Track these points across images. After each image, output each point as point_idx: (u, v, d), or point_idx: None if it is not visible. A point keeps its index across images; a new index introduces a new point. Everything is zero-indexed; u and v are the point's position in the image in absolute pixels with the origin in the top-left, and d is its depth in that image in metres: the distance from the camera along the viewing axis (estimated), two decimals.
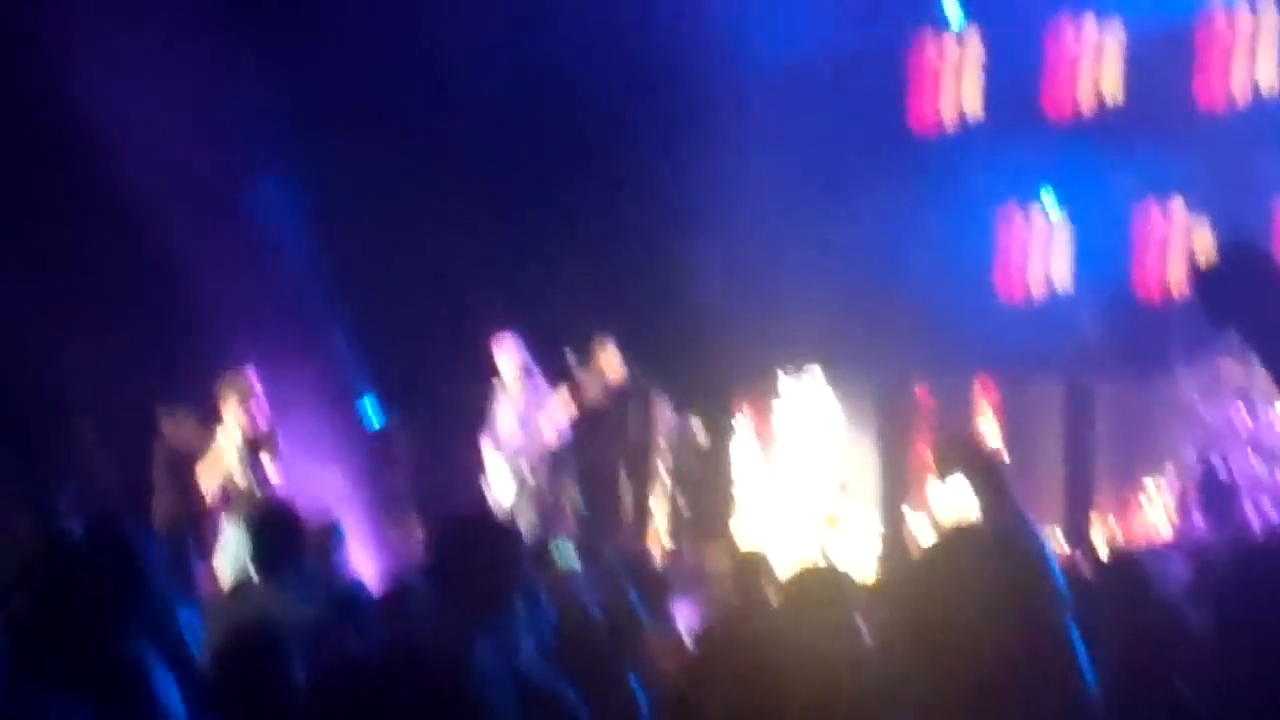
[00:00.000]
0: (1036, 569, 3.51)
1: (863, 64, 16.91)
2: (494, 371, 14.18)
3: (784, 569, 7.56)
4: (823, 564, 7.86)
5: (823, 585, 6.15)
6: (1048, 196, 17.04)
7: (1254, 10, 16.08)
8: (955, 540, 3.61)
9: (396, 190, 16.72)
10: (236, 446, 12.54)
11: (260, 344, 13.66)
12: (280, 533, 7.49)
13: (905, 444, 17.17)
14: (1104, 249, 16.53)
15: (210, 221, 15.85)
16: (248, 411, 12.59)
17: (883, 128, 17.12)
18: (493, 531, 5.11)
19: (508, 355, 13.88)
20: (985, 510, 4.40)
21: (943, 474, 4.64)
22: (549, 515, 13.86)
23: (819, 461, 17.04)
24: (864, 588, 8.21)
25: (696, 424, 16.24)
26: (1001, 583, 3.39)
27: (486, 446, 13.94)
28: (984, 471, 4.59)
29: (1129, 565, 7.00)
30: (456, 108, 16.78)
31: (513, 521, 11.94)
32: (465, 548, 4.90)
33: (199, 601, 7.60)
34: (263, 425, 12.68)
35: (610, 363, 14.83)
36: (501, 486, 13.76)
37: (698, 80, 16.11)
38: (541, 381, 14.06)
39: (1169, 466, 15.21)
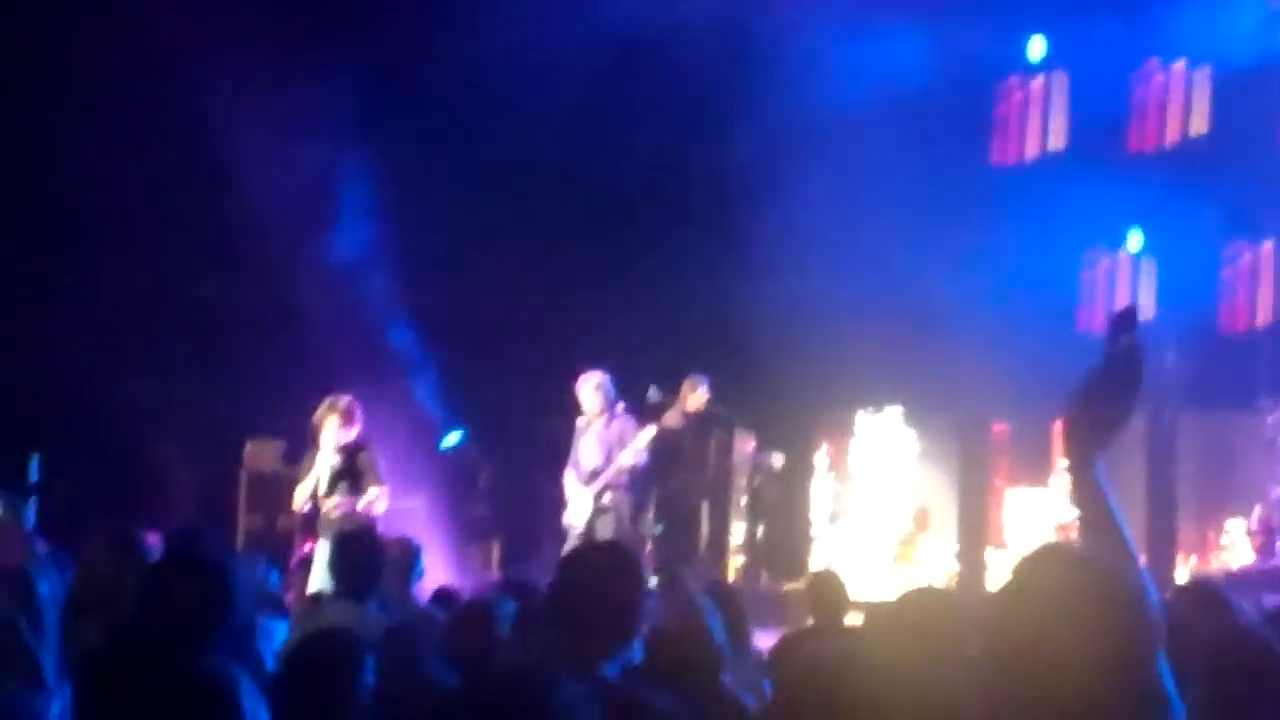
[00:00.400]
0: (1130, 592, 3.28)
1: (945, 102, 16.92)
2: (578, 406, 14.24)
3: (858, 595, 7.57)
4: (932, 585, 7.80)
5: (932, 606, 6.12)
6: (1134, 234, 17.01)
7: None
8: (1045, 559, 3.38)
9: (487, 232, 16.87)
10: (332, 467, 12.61)
11: (352, 377, 13.76)
12: (361, 552, 7.61)
13: (984, 480, 17.16)
14: (1190, 286, 16.46)
15: (305, 261, 16.07)
16: (346, 433, 12.64)
17: (966, 166, 17.12)
18: (623, 560, 5.04)
19: (593, 389, 13.94)
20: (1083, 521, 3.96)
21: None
22: (621, 535, 13.92)
23: (894, 496, 17.08)
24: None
25: (776, 457, 16.28)
26: (1093, 607, 3.22)
27: (569, 478, 14.00)
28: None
29: (1212, 594, 6.94)
30: (542, 154, 16.90)
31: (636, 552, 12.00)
32: (599, 575, 4.88)
33: (287, 617, 7.71)
34: (360, 447, 12.71)
35: (696, 397, 14.92)
36: (582, 515, 13.82)
37: (781, 120, 16.16)
38: (625, 415, 14.12)
39: (1257, 504, 15.13)
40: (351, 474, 12.57)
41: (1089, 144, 17.20)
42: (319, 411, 12.81)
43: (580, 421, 14.11)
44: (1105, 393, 3.46)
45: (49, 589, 6.76)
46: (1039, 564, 3.34)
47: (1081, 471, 3.44)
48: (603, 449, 13.91)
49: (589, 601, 4.74)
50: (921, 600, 6.18)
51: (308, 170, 15.74)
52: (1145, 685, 3.24)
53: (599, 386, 13.93)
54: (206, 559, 5.53)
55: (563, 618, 4.85)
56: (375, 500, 12.45)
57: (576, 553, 4.97)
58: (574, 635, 4.69)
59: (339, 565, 7.64)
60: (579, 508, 13.86)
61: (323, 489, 12.61)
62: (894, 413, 17.53)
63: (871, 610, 7.08)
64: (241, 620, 5.44)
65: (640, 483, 14.32)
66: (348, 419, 12.66)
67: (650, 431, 14.05)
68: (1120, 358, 3.48)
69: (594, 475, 13.86)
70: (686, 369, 15.27)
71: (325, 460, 12.59)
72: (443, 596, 9.42)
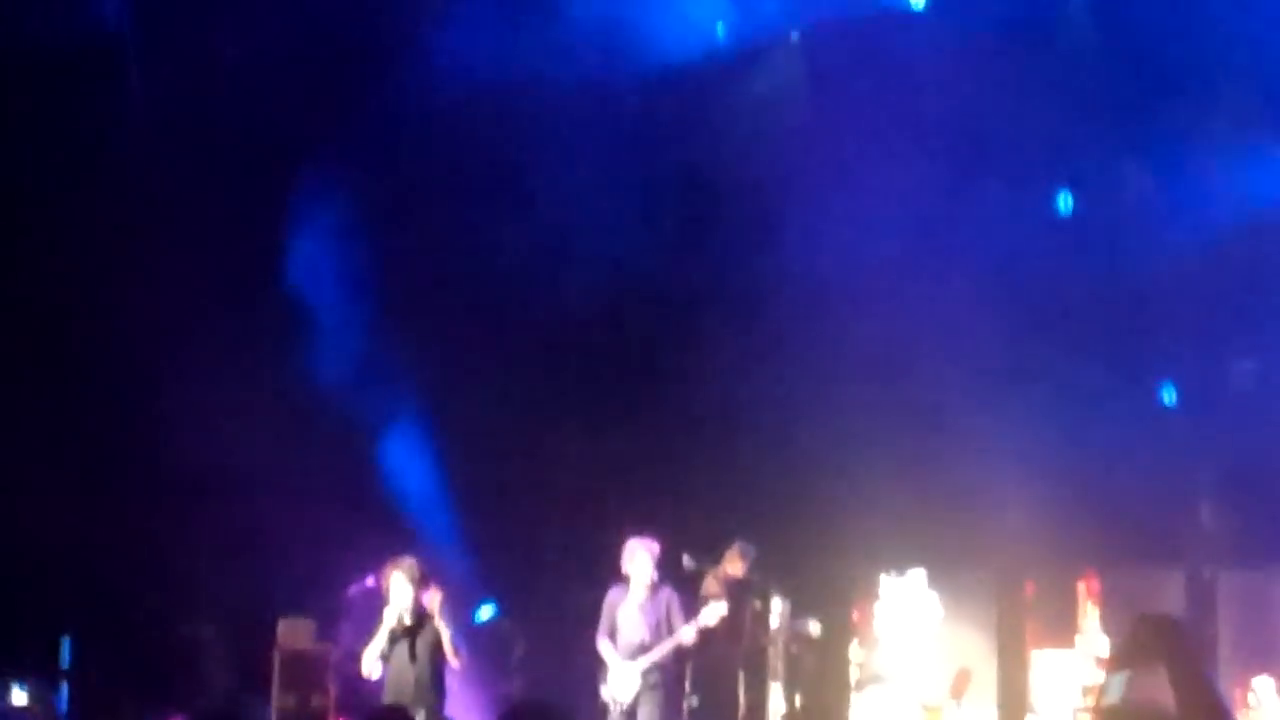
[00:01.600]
0: None
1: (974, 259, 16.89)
2: (612, 573, 14.12)
3: None
4: None
5: None
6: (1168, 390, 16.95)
7: None
8: None
9: (513, 398, 16.88)
10: (396, 630, 12.58)
11: (383, 552, 13.71)
12: None
13: (1019, 638, 17.00)
14: (1226, 438, 16.36)
15: (331, 431, 16.08)
16: (419, 595, 12.63)
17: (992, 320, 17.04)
18: None
19: (647, 559, 13.80)
20: (1181, 703, 3.86)
21: (1131, 659, 4.01)
22: (668, 714, 13.72)
23: (922, 661, 16.94)
24: None
25: (813, 624, 16.14)
26: None
27: (606, 648, 13.84)
28: (1184, 658, 3.99)
29: None
30: (577, 312, 16.95)
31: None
32: None
33: None
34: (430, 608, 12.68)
35: (735, 564, 14.81)
36: (627, 691, 13.64)
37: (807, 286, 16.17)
38: (670, 588, 13.98)
39: None
40: (423, 643, 12.57)
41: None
42: (385, 571, 12.77)
43: (615, 590, 13.95)
44: None
45: None
46: None
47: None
48: (648, 621, 13.74)
49: None
50: None
51: (343, 337, 15.80)
52: None
53: (652, 555, 13.81)
54: None
55: None
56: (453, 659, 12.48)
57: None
58: None
59: None
60: (623, 683, 13.68)
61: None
62: (918, 575, 17.43)
63: None
64: None
65: (682, 655, 14.18)
66: (420, 581, 12.65)
67: (721, 609, 13.88)
68: None
69: (641, 649, 13.68)
70: (718, 536, 15.18)
71: (391, 616, 12.56)
72: None
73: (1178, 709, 3.51)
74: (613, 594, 13.95)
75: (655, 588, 13.81)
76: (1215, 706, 3.48)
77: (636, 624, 13.76)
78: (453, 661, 12.69)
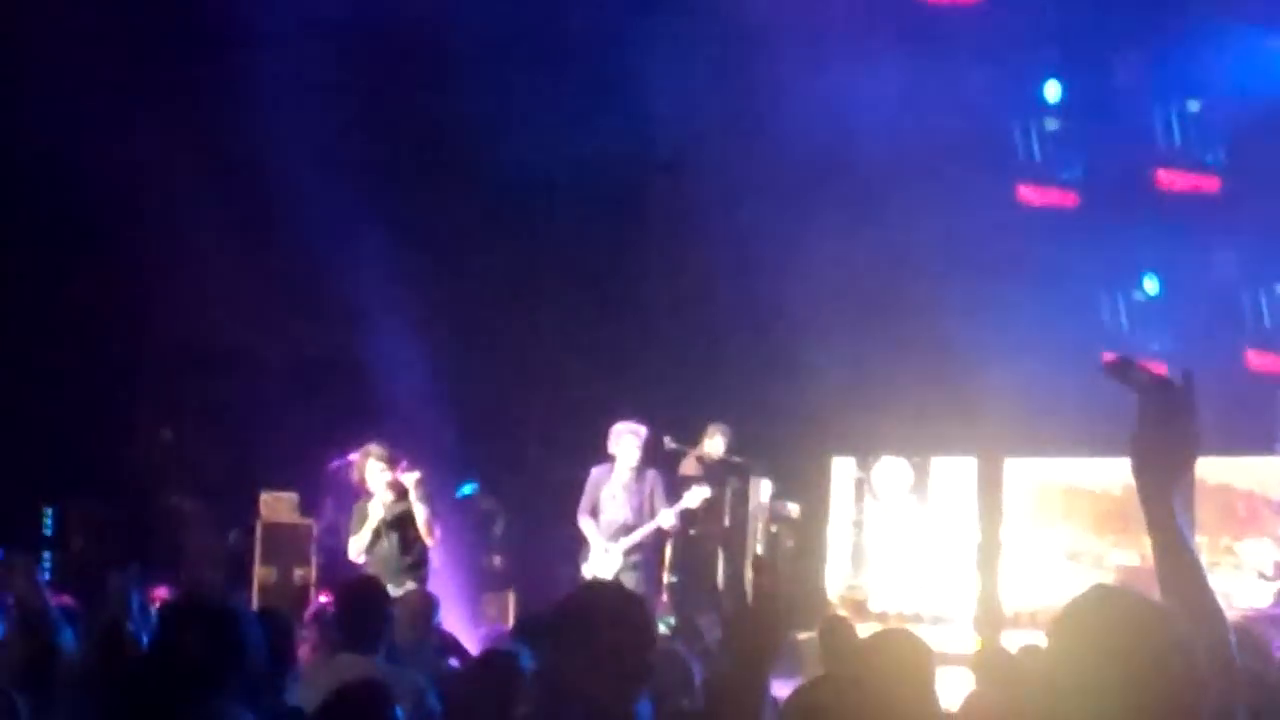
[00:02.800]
0: (1171, 640, 3.11)
1: (961, 147, 16.87)
2: (593, 452, 14.16)
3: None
4: (898, 629, 7.70)
5: (899, 650, 6.08)
6: (1150, 280, 16.98)
7: None
8: (1090, 602, 3.21)
9: (502, 282, 16.88)
10: (381, 518, 12.68)
11: (366, 428, 13.75)
12: (367, 603, 7.56)
13: (997, 518, 17.10)
14: (1207, 329, 16.40)
15: (319, 313, 16.08)
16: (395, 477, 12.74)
17: (985, 210, 17.07)
18: (630, 601, 4.83)
19: (634, 441, 13.84)
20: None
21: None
22: (648, 592, 13.81)
23: (909, 538, 17.05)
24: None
25: (792, 506, 16.20)
26: (1136, 654, 3.08)
27: (588, 527, 13.91)
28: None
29: (1242, 634, 6.85)
30: (560, 202, 16.91)
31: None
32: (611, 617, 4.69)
33: (296, 670, 7.64)
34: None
35: (714, 445, 14.86)
36: (608, 569, 13.72)
37: (799, 168, 16.11)
38: (654, 471, 14.04)
39: (1267, 540, 15.08)
40: (401, 524, 12.67)
41: (1107, 187, 17.14)
42: (357, 461, 12.86)
43: (599, 470, 14.00)
44: (1161, 430, 3.33)
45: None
46: (1085, 607, 3.21)
47: (1156, 507, 3.31)
48: (631, 503, 13.81)
49: (604, 644, 4.60)
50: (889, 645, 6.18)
51: (324, 222, 15.72)
52: None
53: (639, 438, 13.86)
54: (216, 607, 5.49)
55: (583, 664, 4.71)
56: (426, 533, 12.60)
57: (583, 596, 4.76)
58: (599, 679, 4.56)
59: (344, 617, 7.59)
60: (604, 560, 13.75)
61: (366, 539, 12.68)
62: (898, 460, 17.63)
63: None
64: (254, 668, 5.40)
65: (663, 536, 14.26)
66: (391, 461, 12.74)
67: (704, 493, 13.96)
68: (1155, 395, 3.35)
69: (623, 529, 13.75)
70: (700, 418, 15.23)
71: (377, 509, 12.66)
72: (451, 645, 9.39)
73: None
74: (596, 473, 14.00)
75: (640, 470, 13.87)
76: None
77: (620, 504, 13.83)
78: (427, 540, 12.80)
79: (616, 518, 13.79)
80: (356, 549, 12.81)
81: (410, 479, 12.69)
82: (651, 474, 13.91)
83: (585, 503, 13.96)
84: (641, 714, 5.02)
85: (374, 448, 12.87)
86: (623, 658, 4.48)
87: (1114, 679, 3.04)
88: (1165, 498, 3.28)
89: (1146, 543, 3.38)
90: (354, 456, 13.25)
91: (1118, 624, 3.11)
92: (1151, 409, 3.32)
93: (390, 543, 12.74)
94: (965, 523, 17.06)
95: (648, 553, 13.95)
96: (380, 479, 12.69)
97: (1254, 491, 15.84)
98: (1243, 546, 15.53)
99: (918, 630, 7.76)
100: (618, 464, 13.86)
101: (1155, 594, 3.30)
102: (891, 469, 17.43)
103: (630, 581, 13.62)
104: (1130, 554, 15.56)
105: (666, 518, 13.76)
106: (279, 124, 15.31)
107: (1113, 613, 3.14)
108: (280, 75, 15.63)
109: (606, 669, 4.44)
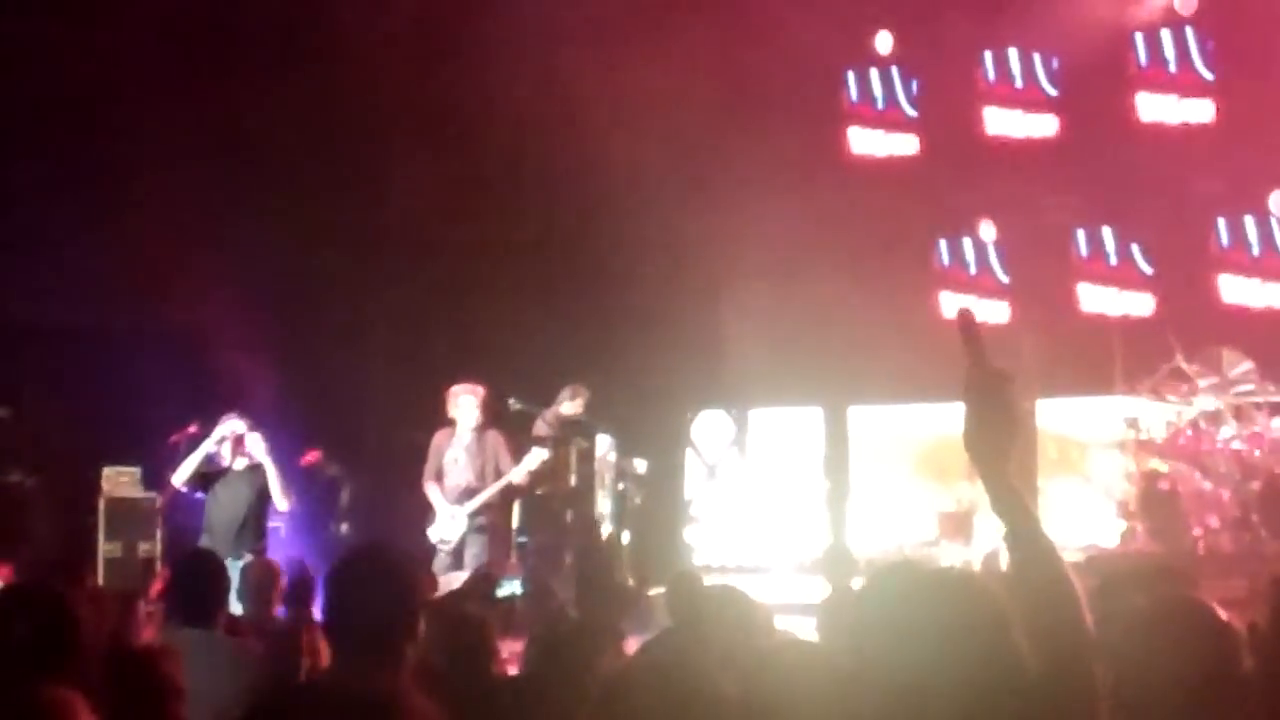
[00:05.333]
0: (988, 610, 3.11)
1: (794, 100, 16.97)
2: (437, 417, 14.13)
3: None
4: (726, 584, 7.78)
5: (721, 604, 6.15)
6: (986, 224, 17.18)
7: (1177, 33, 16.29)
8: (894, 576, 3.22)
9: (342, 241, 16.74)
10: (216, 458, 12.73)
11: (208, 401, 13.68)
12: (201, 581, 7.49)
13: (844, 464, 17.36)
14: (1043, 274, 16.65)
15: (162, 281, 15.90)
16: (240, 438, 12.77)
17: (820, 159, 17.20)
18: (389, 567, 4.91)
19: (476, 403, 13.83)
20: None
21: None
22: (495, 553, 13.82)
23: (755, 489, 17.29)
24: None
25: (639, 462, 16.26)
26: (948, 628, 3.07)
27: (433, 492, 13.88)
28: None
29: None
30: (409, 154, 16.77)
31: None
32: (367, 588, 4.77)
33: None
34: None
35: (573, 405, 14.82)
36: (454, 531, 13.70)
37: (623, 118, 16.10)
38: (495, 431, 14.03)
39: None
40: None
41: (939, 136, 17.33)
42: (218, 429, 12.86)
43: (440, 434, 13.98)
44: (988, 407, 3.37)
45: None
46: (888, 581, 3.22)
47: (995, 482, 3.35)
48: (474, 464, 13.80)
49: (363, 615, 4.66)
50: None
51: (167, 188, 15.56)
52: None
53: (481, 400, 13.85)
54: (44, 591, 5.45)
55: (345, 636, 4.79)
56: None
57: (342, 567, 4.84)
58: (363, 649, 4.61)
59: (178, 592, 7.50)
60: (450, 524, 13.73)
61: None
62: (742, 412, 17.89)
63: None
64: (85, 650, 5.37)
65: (509, 496, 14.27)
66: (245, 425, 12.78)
67: (543, 455, 13.95)
68: (979, 373, 3.39)
69: (467, 492, 13.74)
70: (543, 377, 15.21)
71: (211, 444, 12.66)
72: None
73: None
74: (438, 437, 13.99)
75: (481, 431, 13.86)
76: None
77: (463, 467, 13.82)
78: (280, 503, 12.79)
79: (460, 481, 13.79)
80: (182, 474, 13.00)
81: (257, 444, 12.74)
82: (492, 435, 13.90)
83: (429, 468, 13.94)
84: None
85: (231, 415, 12.93)
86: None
87: (915, 657, 3.04)
88: (1003, 478, 3.33)
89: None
90: (194, 429, 13.24)
91: (917, 600, 3.11)
92: (974, 402, 3.36)
93: (232, 502, 12.73)
94: (789, 472, 17.38)
95: (494, 514, 13.94)
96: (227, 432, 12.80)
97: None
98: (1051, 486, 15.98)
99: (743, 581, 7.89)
100: (459, 426, 13.85)
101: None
102: (713, 421, 17.68)
103: (477, 544, 13.64)
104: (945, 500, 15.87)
105: (515, 476, 13.77)
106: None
107: (911, 588, 3.16)
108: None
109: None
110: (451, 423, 13.91)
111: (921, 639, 3.05)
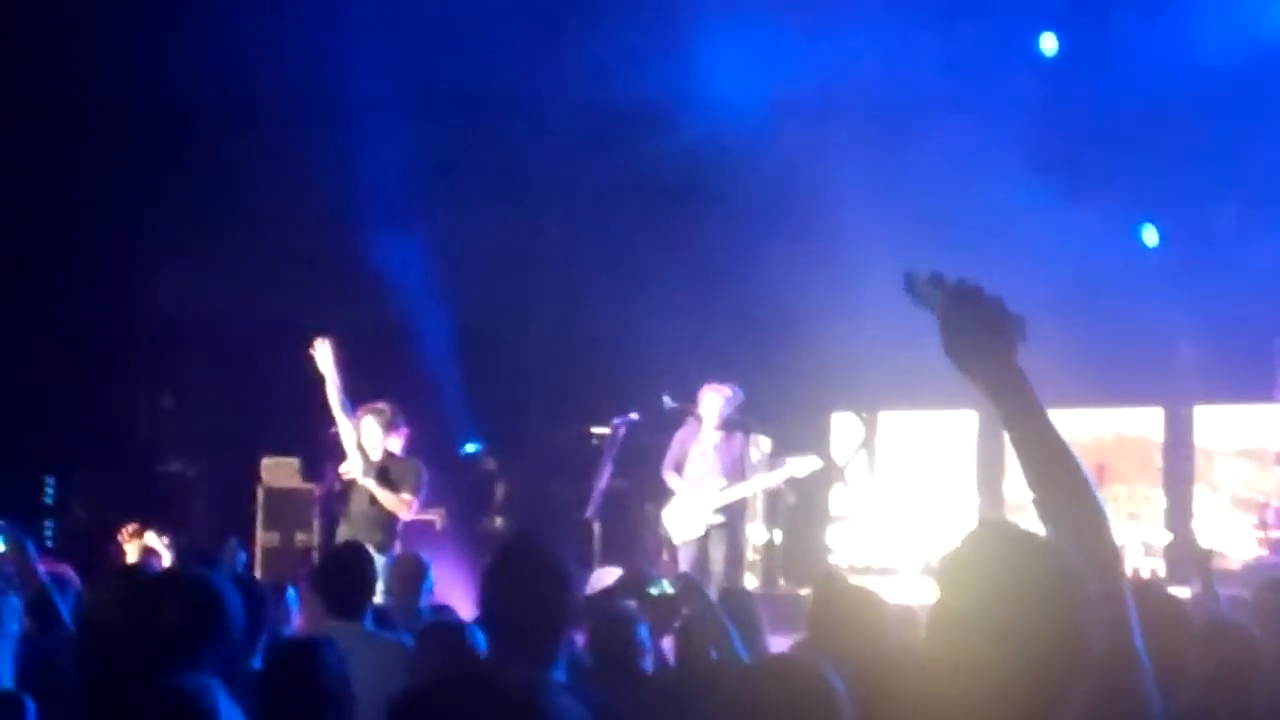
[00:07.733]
0: (1068, 572, 3.07)
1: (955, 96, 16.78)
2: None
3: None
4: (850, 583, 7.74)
5: (845, 604, 6.11)
6: (1149, 229, 17.00)
7: None
8: (982, 540, 3.17)
9: (505, 242, 16.79)
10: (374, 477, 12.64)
11: (370, 390, 13.76)
12: (348, 573, 7.55)
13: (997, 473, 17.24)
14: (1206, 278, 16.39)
15: (321, 275, 16.04)
16: (389, 439, 12.71)
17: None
18: (548, 561, 4.92)
19: (723, 402, 13.91)
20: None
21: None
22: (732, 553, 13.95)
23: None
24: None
25: (811, 459, 16.22)
26: (1033, 591, 3.03)
27: (674, 480, 13.96)
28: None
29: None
30: (559, 163, 16.79)
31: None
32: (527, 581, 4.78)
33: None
34: (401, 459, 12.78)
35: (722, 404, 14.82)
36: (697, 527, 13.81)
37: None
38: (740, 434, 14.09)
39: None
40: (386, 480, 12.59)
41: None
42: (360, 416, 12.80)
43: (685, 429, 14.08)
44: (958, 312, 3.40)
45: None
46: (975, 545, 3.17)
47: (988, 376, 3.37)
48: (722, 462, 13.87)
49: (516, 611, 4.68)
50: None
51: (323, 183, 15.68)
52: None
53: (728, 400, 13.93)
54: (193, 580, 5.51)
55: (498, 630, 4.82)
56: (396, 507, 12.44)
57: (497, 562, 4.85)
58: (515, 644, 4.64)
59: (325, 584, 7.56)
60: (692, 519, 13.80)
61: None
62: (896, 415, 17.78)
63: None
64: (232, 640, 5.43)
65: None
66: (390, 426, 12.70)
67: (816, 463, 14.08)
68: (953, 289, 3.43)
69: (710, 488, 13.81)
70: (703, 376, 15.17)
71: (357, 460, 12.63)
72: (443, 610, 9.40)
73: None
74: (683, 432, 14.12)
75: (730, 434, 13.94)
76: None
77: (707, 464, 13.89)
78: (401, 513, 12.64)
79: (702, 476, 13.87)
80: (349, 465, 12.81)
81: (396, 444, 12.71)
82: (739, 438, 13.99)
83: (670, 458, 14.09)
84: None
85: (378, 406, 12.87)
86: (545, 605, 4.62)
87: (998, 619, 3.00)
88: (990, 370, 3.34)
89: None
90: (358, 417, 13.20)
91: (1000, 562, 3.08)
92: (947, 310, 3.40)
93: (369, 500, 12.63)
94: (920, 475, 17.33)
95: (735, 512, 14.02)
96: (373, 436, 12.68)
97: None
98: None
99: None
100: (704, 424, 13.96)
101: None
102: (843, 424, 17.63)
103: (718, 539, 13.73)
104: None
105: (775, 479, 14.15)
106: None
107: (994, 551, 3.12)
108: None
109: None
110: (698, 419, 14.02)
111: (1004, 594, 3.02)
